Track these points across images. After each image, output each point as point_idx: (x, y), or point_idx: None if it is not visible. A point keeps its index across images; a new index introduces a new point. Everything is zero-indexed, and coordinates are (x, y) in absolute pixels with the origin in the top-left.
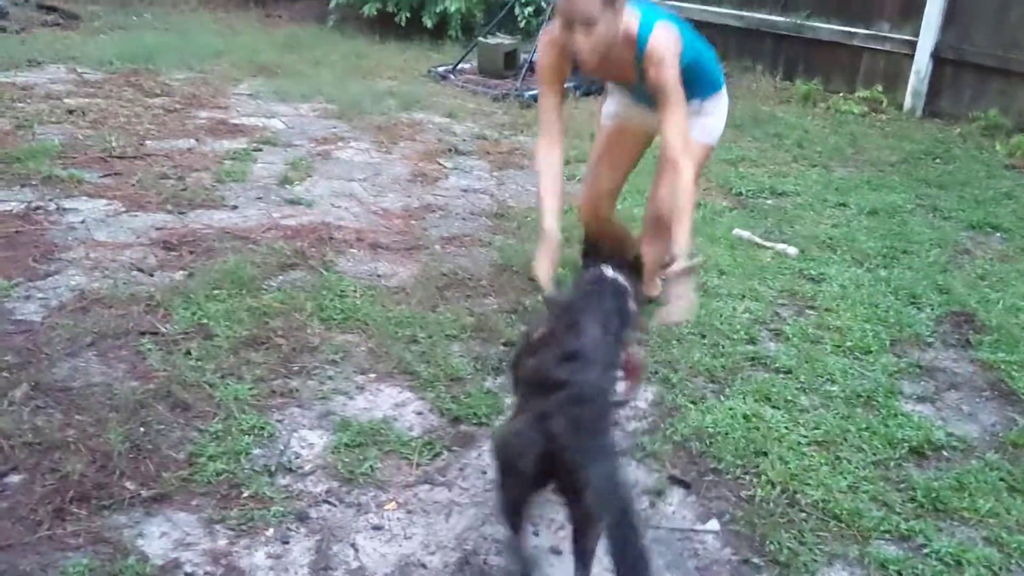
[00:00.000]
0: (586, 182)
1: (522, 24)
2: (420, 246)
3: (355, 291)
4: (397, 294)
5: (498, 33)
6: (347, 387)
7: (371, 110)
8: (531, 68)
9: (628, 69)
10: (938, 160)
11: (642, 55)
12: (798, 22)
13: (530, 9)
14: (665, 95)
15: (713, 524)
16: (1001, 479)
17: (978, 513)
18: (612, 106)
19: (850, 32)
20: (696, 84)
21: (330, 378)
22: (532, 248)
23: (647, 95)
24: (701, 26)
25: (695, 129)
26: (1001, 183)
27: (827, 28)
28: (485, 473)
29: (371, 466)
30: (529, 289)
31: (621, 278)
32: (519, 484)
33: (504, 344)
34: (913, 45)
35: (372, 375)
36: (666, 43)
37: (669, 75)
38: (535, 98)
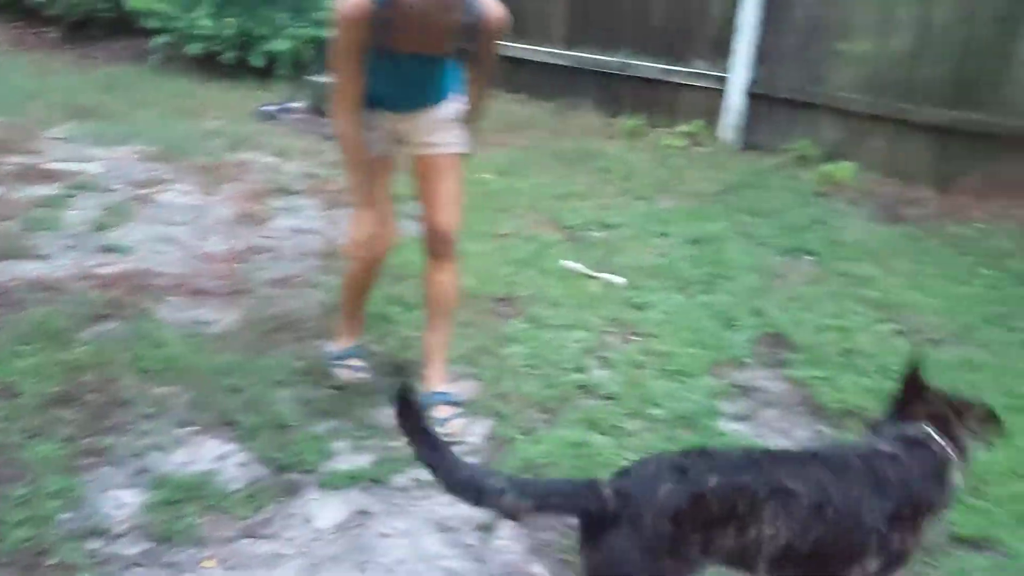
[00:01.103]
0: (362, 222)
1: None
2: (245, 290)
3: (174, 340)
4: (220, 341)
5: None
6: (164, 442)
7: (195, 151)
8: None
9: (443, 37)
10: (754, 190)
11: (477, 20)
12: (622, 61)
13: None
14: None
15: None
16: None
17: None
18: (370, 132)
19: (669, 70)
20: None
21: (146, 433)
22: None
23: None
24: (528, 65)
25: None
26: (811, 210)
27: (648, 66)
28: (310, 522)
29: (190, 523)
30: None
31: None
32: None
33: (333, 387)
34: (727, 81)
35: (192, 428)
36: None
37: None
38: None
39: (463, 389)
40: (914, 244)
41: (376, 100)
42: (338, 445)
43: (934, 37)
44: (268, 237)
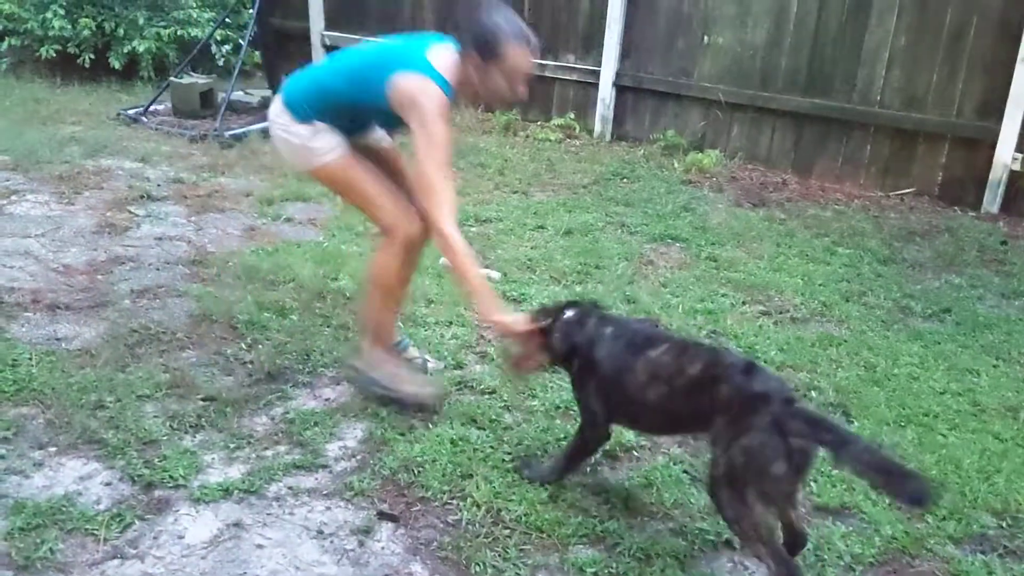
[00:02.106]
0: (403, 212)
1: (220, 62)
2: (107, 302)
3: (30, 359)
4: (80, 357)
5: (193, 72)
6: (22, 465)
7: (51, 159)
8: (231, 107)
9: None
10: (625, 180)
11: None
12: None
13: (228, 47)
14: None
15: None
16: (684, 471)
17: (665, 506)
18: (332, 138)
19: (542, 64)
20: None
21: (1, 457)
22: (233, 294)
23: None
24: None
25: None
26: (679, 197)
27: None
28: (181, 538)
29: (51, 548)
30: (230, 337)
31: None
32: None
33: (203, 399)
34: (597, 75)
35: (52, 449)
36: None
37: None
38: (236, 137)
39: (340, 392)
40: (776, 227)
41: (345, 131)
42: (209, 457)
43: (789, 28)
44: (131, 246)
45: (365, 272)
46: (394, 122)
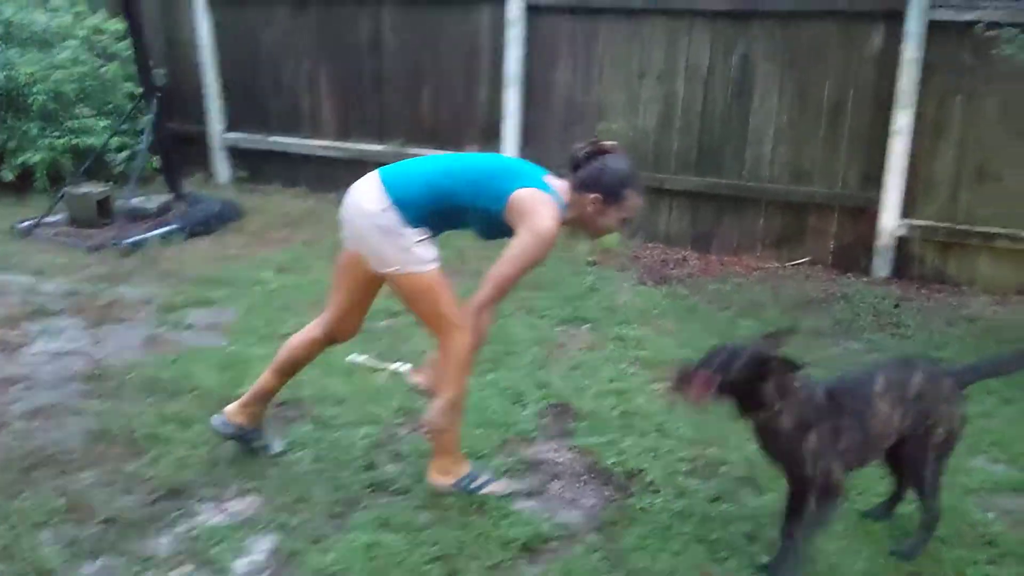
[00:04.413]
0: (467, 328)
1: (118, 170)
2: None
3: None
4: None
5: (89, 181)
6: None
7: None
8: (129, 214)
9: None
10: None
11: None
12: (395, 150)
13: (124, 154)
14: None
15: None
16: (603, 558)
17: None
18: (434, 250)
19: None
20: None
21: None
22: (133, 407)
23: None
24: (305, 160)
25: None
26: (586, 279)
27: (421, 153)
28: None
29: None
30: (130, 454)
31: None
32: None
33: (102, 521)
34: None
35: None
36: None
37: None
38: (135, 245)
39: (247, 504)
40: (679, 303)
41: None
42: None
43: (678, 112)
44: (24, 365)
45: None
46: (496, 231)
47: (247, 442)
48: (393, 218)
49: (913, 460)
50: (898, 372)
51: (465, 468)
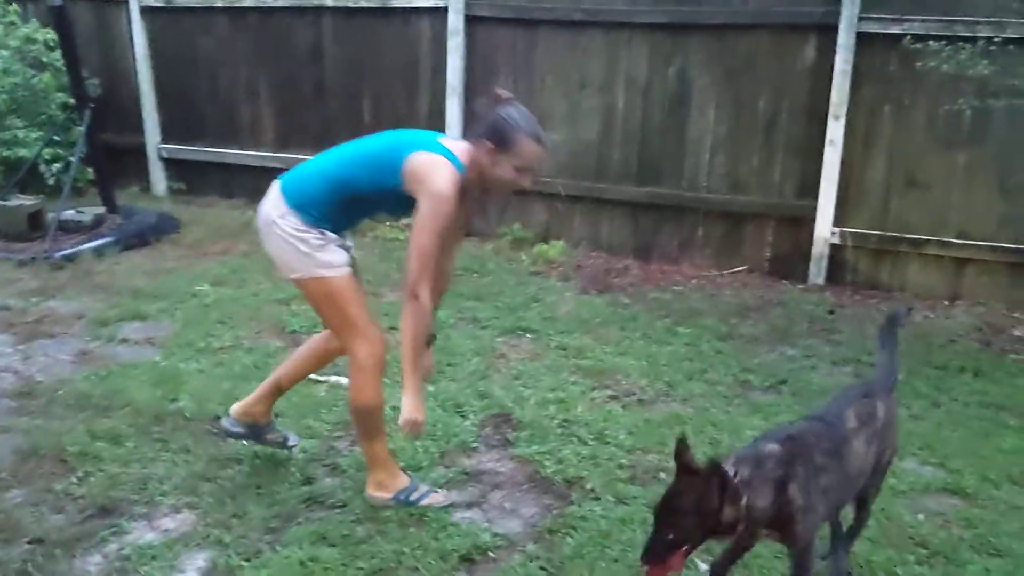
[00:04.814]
0: (372, 335)
1: (51, 182)
2: None
3: None
4: None
5: (20, 194)
6: None
7: None
8: (61, 227)
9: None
10: (475, 275)
11: None
12: None
13: (58, 166)
14: None
15: None
16: (541, 568)
17: None
18: (341, 254)
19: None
20: None
21: None
22: (63, 424)
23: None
24: (241, 171)
25: None
26: (528, 288)
27: None
28: None
29: None
30: (59, 472)
31: None
32: None
33: (30, 541)
34: None
35: None
36: None
37: None
38: (68, 258)
39: (180, 521)
40: (620, 312)
41: (353, 226)
42: None
43: (618, 124)
44: None
45: (351, 404)
46: (404, 206)
47: (259, 437)
48: (294, 223)
49: (867, 487)
50: (863, 407)
51: (402, 481)
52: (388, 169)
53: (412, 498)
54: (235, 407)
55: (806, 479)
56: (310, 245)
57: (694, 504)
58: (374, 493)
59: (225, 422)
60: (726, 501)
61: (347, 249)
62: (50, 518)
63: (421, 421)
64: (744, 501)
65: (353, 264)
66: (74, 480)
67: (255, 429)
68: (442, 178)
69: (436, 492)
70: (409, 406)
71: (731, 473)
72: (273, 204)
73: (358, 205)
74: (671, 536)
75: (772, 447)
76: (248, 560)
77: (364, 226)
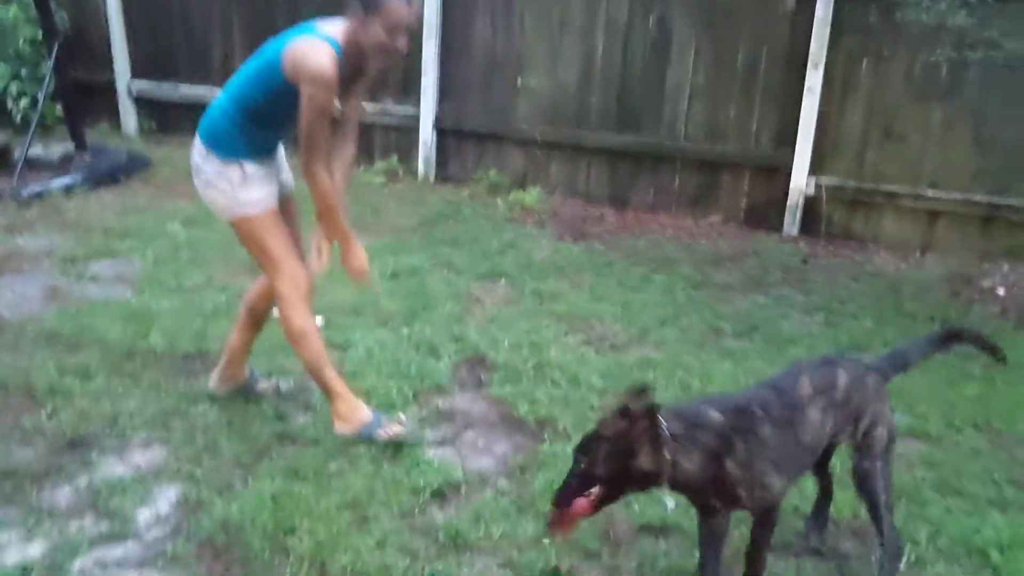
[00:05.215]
0: (292, 268)
1: (17, 118)
2: None
3: None
4: None
5: None
6: None
7: None
8: (29, 164)
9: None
10: (451, 220)
11: None
12: None
13: (25, 101)
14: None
15: None
16: (512, 502)
17: (492, 540)
18: (262, 190)
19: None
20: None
21: None
22: (31, 360)
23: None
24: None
25: None
26: (504, 235)
27: None
28: None
29: None
30: (28, 407)
31: None
32: None
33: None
34: (417, 118)
35: None
36: None
37: None
38: (36, 195)
39: (151, 456)
40: (596, 259)
41: (271, 148)
42: (4, 536)
43: (597, 69)
44: None
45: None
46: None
47: (251, 392)
48: (215, 163)
49: (862, 475)
50: (822, 375)
51: (364, 414)
52: (270, 70)
53: (375, 433)
54: (212, 379)
55: (748, 454)
56: (232, 183)
57: (615, 441)
58: (339, 427)
59: (213, 390)
60: (647, 446)
61: (283, 182)
62: (19, 451)
63: (365, 266)
64: (667, 455)
65: (285, 196)
66: (43, 415)
67: (243, 388)
68: (317, 60)
69: (397, 422)
70: (351, 258)
71: (662, 423)
72: (196, 150)
73: (263, 121)
74: (587, 475)
75: (714, 415)
76: (219, 494)
77: None
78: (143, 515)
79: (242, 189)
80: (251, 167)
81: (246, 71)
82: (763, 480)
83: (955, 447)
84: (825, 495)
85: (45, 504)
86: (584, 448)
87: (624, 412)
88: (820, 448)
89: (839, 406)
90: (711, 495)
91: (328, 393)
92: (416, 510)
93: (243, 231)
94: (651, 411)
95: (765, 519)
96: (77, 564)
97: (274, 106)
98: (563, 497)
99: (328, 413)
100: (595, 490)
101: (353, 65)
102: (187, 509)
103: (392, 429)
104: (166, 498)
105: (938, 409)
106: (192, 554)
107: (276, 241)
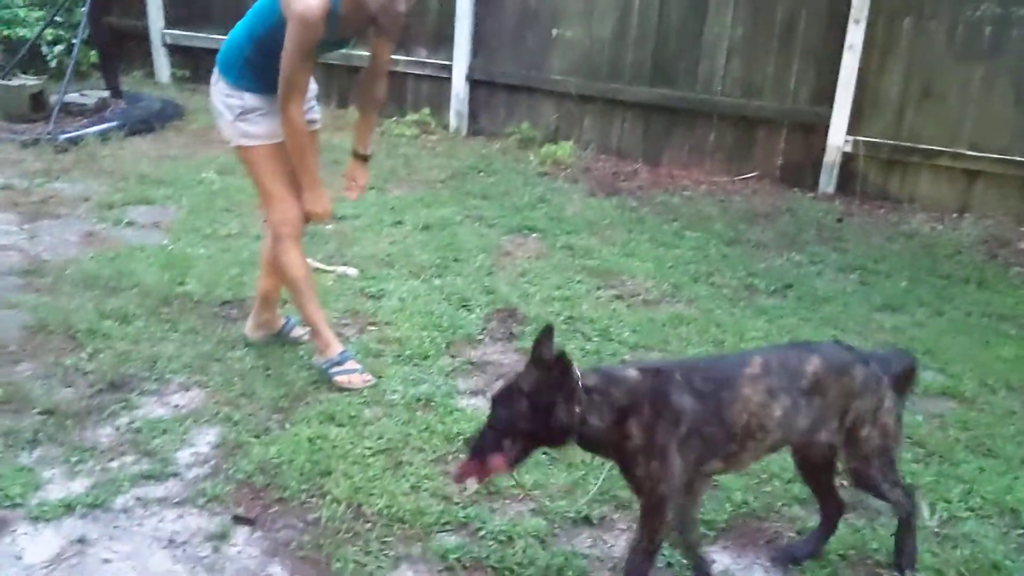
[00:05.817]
0: (284, 205)
1: (53, 64)
2: None
3: None
4: None
5: (22, 74)
6: None
7: None
8: (65, 109)
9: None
10: (482, 173)
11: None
12: (345, 51)
13: (60, 47)
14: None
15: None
16: (544, 453)
17: (525, 488)
18: (264, 125)
19: (394, 60)
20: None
21: None
22: (71, 303)
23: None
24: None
25: None
26: (536, 189)
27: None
28: (20, 559)
29: None
30: (69, 348)
31: None
32: None
33: (40, 413)
34: (450, 69)
35: None
36: None
37: None
38: (72, 141)
39: (190, 398)
40: (628, 214)
41: (271, 85)
42: (48, 473)
43: (634, 22)
44: None
45: (281, 277)
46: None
47: (286, 338)
48: (223, 87)
49: (854, 474)
50: (786, 357)
51: (334, 349)
52: (272, 4)
53: (332, 371)
54: (248, 326)
55: (653, 418)
56: (233, 112)
57: (530, 390)
58: (316, 359)
59: (251, 338)
60: (561, 397)
61: (311, 117)
62: (60, 391)
63: (325, 210)
64: (578, 408)
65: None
66: (84, 356)
67: (278, 335)
68: (305, 2)
69: (359, 373)
70: (308, 200)
71: (577, 374)
72: (214, 75)
73: (266, 54)
74: (500, 426)
75: (631, 372)
76: (257, 436)
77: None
78: (183, 455)
79: (243, 121)
80: (252, 99)
81: (254, 8)
82: (662, 452)
83: (989, 408)
84: (827, 521)
85: (87, 443)
86: (501, 403)
87: (538, 360)
88: (770, 441)
89: (804, 394)
90: (615, 460)
91: (309, 327)
92: (450, 457)
93: (243, 159)
94: (562, 357)
95: (650, 513)
96: (119, 501)
97: (274, 40)
98: (479, 449)
99: (364, 363)
100: (507, 442)
101: (351, 17)
102: (226, 450)
103: (351, 378)
104: (205, 439)
105: (973, 370)
106: (231, 494)
107: (271, 176)
